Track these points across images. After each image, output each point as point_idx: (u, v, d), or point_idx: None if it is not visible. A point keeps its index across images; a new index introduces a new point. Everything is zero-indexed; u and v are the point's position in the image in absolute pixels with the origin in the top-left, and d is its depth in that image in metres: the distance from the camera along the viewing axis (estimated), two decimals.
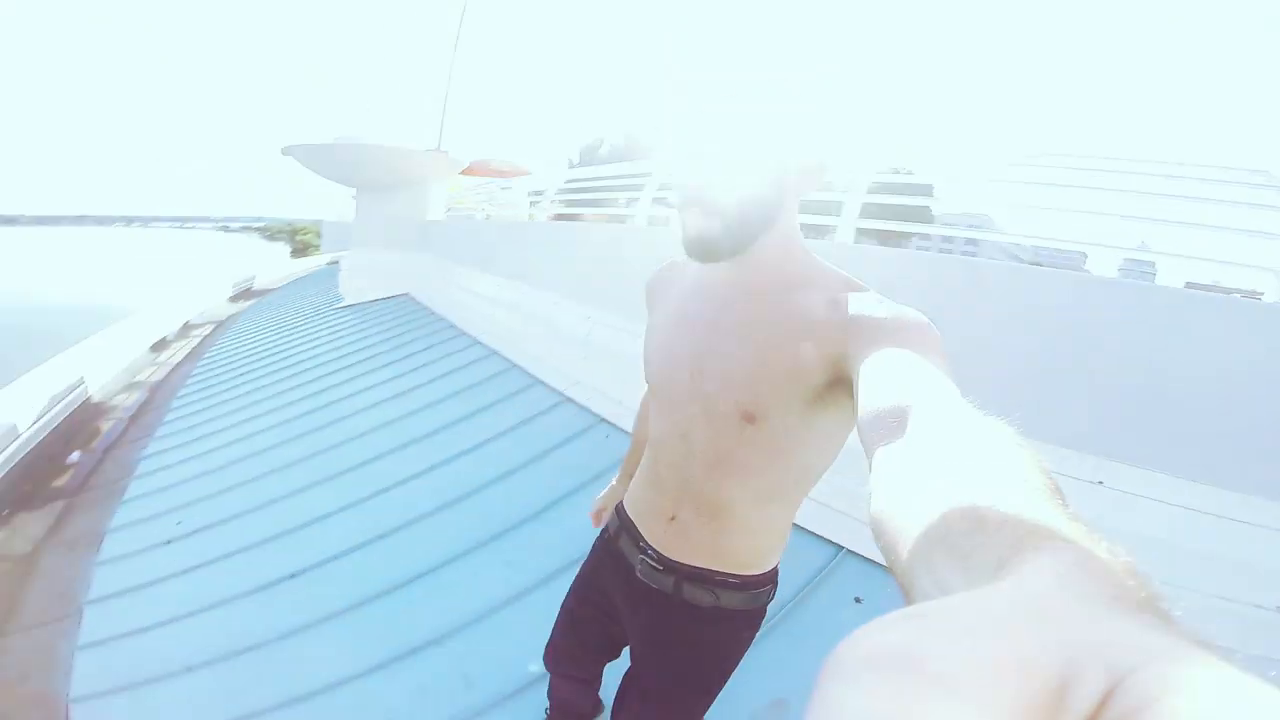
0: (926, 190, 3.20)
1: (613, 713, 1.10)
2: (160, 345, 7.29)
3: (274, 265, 16.06)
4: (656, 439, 0.91)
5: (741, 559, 0.88)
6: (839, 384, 0.67)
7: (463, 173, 8.99)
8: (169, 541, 2.84)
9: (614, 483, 1.20)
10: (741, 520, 0.85)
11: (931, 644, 0.15)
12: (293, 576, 2.36)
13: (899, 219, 3.04)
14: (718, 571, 0.88)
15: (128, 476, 3.75)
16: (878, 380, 0.51)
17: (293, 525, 2.70)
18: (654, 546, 0.91)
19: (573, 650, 1.18)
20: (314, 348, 5.40)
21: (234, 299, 10.87)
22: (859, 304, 0.66)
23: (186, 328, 8.41)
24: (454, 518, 2.53)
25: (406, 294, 6.25)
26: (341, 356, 4.95)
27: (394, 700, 1.72)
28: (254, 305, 9.94)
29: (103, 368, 5.64)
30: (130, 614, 2.38)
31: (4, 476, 3.77)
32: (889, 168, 2.84)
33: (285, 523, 2.73)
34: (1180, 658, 0.15)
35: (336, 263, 15.80)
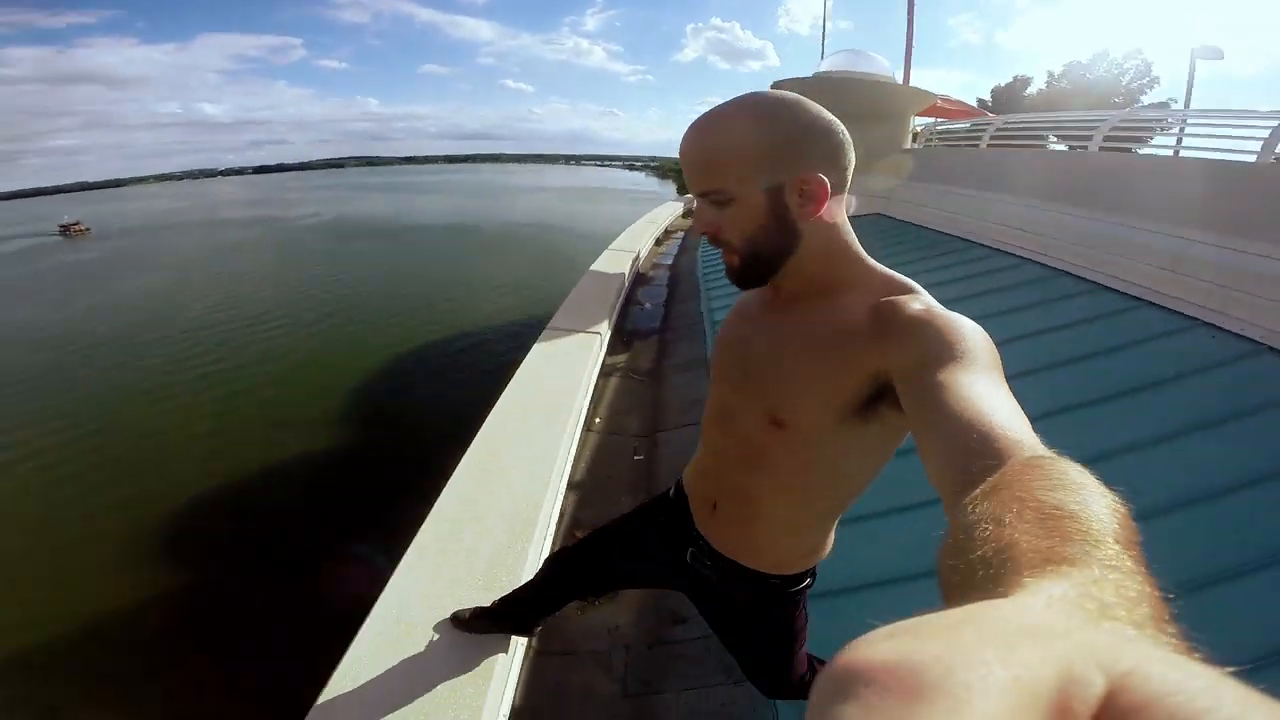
0: None
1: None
2: (662, 238, 9.59)
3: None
4: (705, 425, 0.96)
5: (772, 557, 0.93)
6: (882, 397, 0.67)
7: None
8: None
9: None
10: (770, 516, 0.88)
11: (927, 657, 0.15)
12: None
13: None
14: (753, 570, 0.93)
15: (698, 324, 4.97)
16: (940, 413, 0.49)
17: None
18: (703, 535, 0.98)
19: (592, 574, 1.31)
20: None
21: (684, 215, 13.34)
22: (899, 312, 0.64)
23: (667, 231, 10.82)
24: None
25: (879, 213, 6.78)
26: None
27: None
28: None
29: (644, 248, 7.70)
30: None
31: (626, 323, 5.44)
32: None
33: None
34: (1175, 661, 0.15)
35: None
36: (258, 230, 44.90)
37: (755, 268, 0.73)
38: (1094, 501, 0.31)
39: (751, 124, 0.67)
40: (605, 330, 4.31)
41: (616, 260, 6.37)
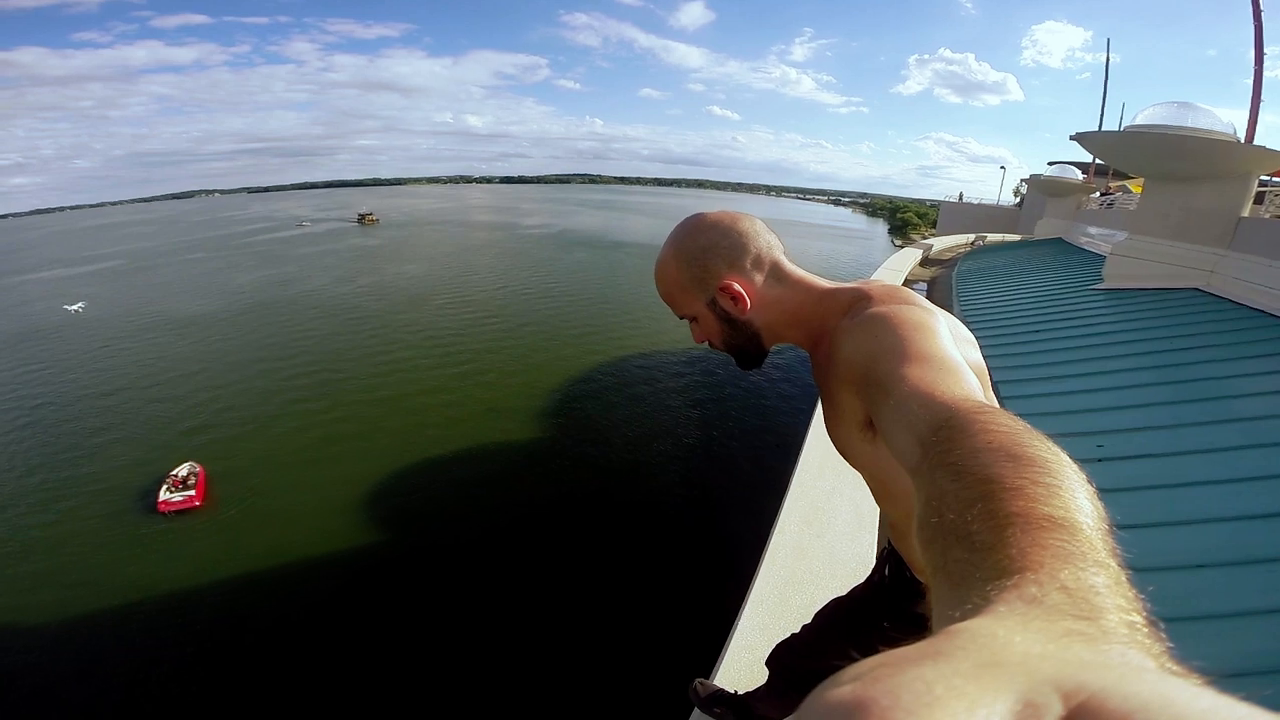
0: None
1: None
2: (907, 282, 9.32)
3: (941, 241, 17.88)
4: None
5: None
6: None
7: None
8: None
9: None
10: (896, 528, 0.93)
11: (890, 693, 0.16)
12: None
13: None
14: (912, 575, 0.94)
15: None
16: (889, 399, 0.51)
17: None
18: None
19: None
20: (1079, 318, 5.97)
21: (922, 264, 12.74)
22: (841, 329, 0.70)
23: (907, 281, 10.45)
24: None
25: (1195, 288, 5.97)
26: (1105, 335, 5.32)
27: None
28: (965, 267, 11.14)
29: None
30: None
31: None
32: None
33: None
34: (1141, 680, 0.15)
35: (980, 240, 16.53)
36: (500, 234, 52.12)
37: (745, 358, 0.86)
38: (1057, 466, 0.31)
39: (673, 262, 0.81)
40: None
41: None
